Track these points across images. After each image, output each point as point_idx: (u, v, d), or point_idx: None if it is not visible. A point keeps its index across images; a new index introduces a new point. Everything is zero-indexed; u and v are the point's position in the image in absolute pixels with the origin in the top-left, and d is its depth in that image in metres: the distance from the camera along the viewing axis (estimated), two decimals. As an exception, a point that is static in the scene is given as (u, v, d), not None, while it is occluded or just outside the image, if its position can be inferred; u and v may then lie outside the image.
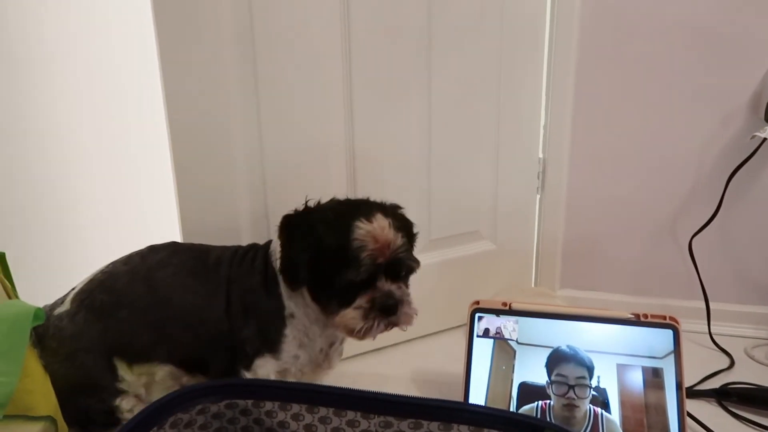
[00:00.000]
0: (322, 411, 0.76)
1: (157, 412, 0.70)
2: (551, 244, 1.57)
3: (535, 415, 1.02)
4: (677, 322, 1.02)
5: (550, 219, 1.56)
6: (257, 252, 0.98)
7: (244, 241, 1.06)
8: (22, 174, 1.11)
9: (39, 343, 0.87)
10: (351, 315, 0.86)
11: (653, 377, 1.01)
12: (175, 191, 1.15)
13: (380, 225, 0.85)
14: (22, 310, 0.55)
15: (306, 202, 0.94)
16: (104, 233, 1.32)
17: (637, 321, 1.04)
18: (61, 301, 0.94)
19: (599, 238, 1.54)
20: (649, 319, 1.04)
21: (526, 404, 1.03)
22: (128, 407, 0.93)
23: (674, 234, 1.48)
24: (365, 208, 0.89)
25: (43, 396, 0.62)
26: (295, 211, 0.93)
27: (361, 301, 0.85)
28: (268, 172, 1.21)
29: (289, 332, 0.94)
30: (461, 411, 0.73)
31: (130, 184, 1.41)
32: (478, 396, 1.05)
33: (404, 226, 0.92)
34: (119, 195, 1.37)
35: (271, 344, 0.93)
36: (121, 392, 0.92)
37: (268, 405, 0.77)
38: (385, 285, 0.86)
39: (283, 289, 0.94)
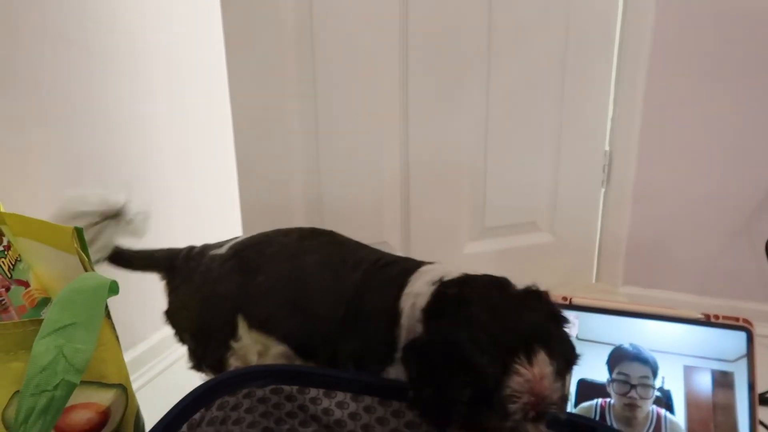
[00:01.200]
0: (367, 400, 0.77)
1: (205, 394, 0.73)
2: (615, 240, 1.52)
3: (593, 414, 0.99)
4: (751, 325, 0.97)
5: (614, 213, 1.51)
6: (395, 277, 0.86)
7: (296, 223, 1.07)
8: (99, 159, 1.17)
9: (188, 274, 0.96)
10: None
11: (723, 381, 0.97)
12: (236, 175, 1.19)
13: (542, 372, 0.64)
14: (100, 282, 0.58)
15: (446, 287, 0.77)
16: (173, 215, 1.37)
17: (707, 321, 0.99)
18: (220, 244, 0.99)
19: (666, 235, 1.49)
20: (721, 320, 0.99)
21: (585, 401, 1.00)
22: (235, 365, 0.95)
23: (749, 234, 1.41)
24: (526, 332, 0.67)
25: (115, 365, 0.65)
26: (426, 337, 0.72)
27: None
28: (323, 157, 1.23)
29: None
30: None
31: (197, 168, 1.47)
32: (534, 391, 1.04)
33: (565, 360, 0.70)
34: (187, 179, 1.43)
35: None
36: (230, 349, 0.95)
37: (313, 392, 0.78)
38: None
39: (403, 337, 0.80)
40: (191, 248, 1.02)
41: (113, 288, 0.59)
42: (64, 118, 1.09)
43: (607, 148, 1.48)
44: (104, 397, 0.63)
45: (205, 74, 1.46)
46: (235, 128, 1.16)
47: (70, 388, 0.54)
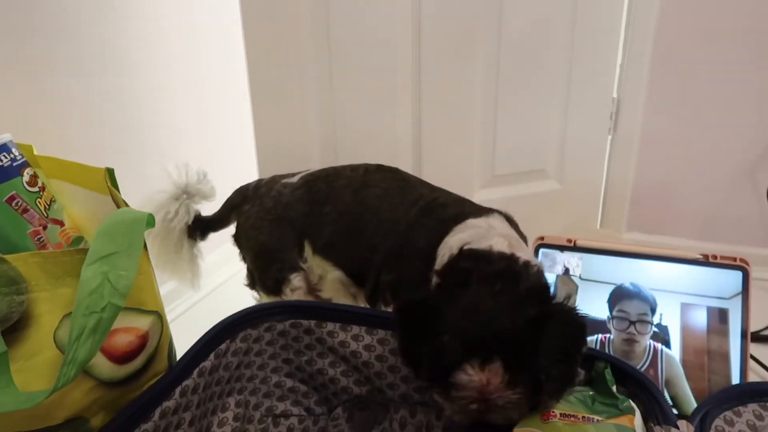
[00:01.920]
0: (380, 333, 0.81)
1: (230, 326, 0.78)
2: (620, 187, 1.56)
3: (595, 346, 1.05)
4: (747, 264, 1.01)
5: (620, 161, 1.54)
6: (442, 222, 0.89)
7: (315, 166, 1.11)
8: (118, 101, 1.20)
9: (258, 199, 1.05)
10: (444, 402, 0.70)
11: (718, 317, 1.02)
12: (252, 122, 1.22)
13: (489, 379, 0.64)
14: (138, 215, 0.63)
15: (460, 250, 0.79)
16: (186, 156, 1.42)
17: (705, 261, 1.04)
18: (293, 174, 1.07)
19: (671, 182, 1.52)
20: (718, 260, 1.03)
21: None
22: (297, 285, 1.05)
23: (753, 180, 1.43)
24: (494, 340, 0.66)
25: (152, 293, 0.70)
26: (422, 296, 0.76)
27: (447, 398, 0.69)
28: (338, 100, 1.25)
29: None
30: None
31: (215, 117, 1.50)
32: (538, 327, 1.09)
33: (531, 380, 0.66)
34: (201, 121, 1.46)
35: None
36: (299, 269, 1.04)
37: (330, 326, 0.82)
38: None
39: (433, 280, 0.82)
40: (260, 180, 1.11)
41: (150, 221, 0.63)
42: (87, 64, 1.12)
43: (614, 95, 1.50)
44: (143, 323, 0.68)
45: (220, 16, 1.47)
46: (250, 71, 1.18)
47: (116, 310, 0.59)
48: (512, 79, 1.39)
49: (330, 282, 1.05)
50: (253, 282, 1.11)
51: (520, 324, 0.66)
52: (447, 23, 1.29)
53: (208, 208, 1.13)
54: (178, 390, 0.69)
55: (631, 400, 0.69)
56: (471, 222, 0.87)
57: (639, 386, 0.69)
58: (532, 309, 0.68)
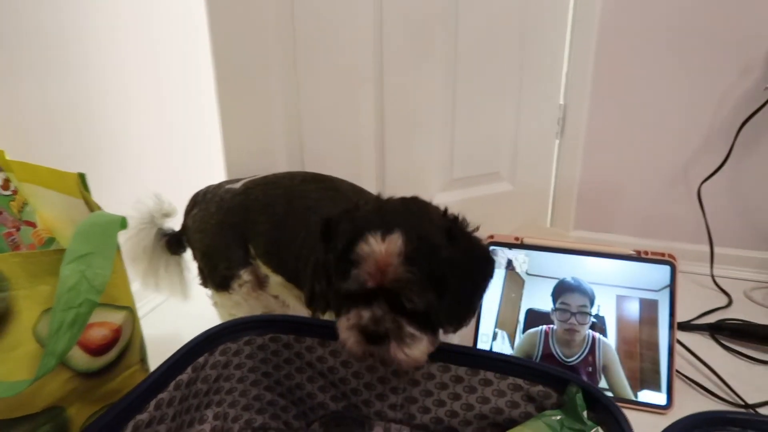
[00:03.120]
0: None
1: (208, 340, 0.79)
2: (567, 187, 1.65)
3: (538, 338, 1.13)
4: (675, 259, 1.11)
5: (567, 163, 1.64)
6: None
7: (280, 168, 1.16)
8: (85, 105, 1.23)
9: (204, 203, 1.11)
10: (343, 330, 0.74)
11: (648, 307, 1.11)
12: (219, 125, 1.26)
13: (386, 249, 0.70)
14: (111, 218, 0.67)
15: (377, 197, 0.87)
16: (154, 168, 1.45)
17: (637, 257, 1.13)
18: (236, 180, 1.12)
19: (614, 183, 1.62)
20: (650, 256, 1.13)
21: (532, 328, 1.15)
22: (246, 279, 1.10)
23: (686, 180, 1.54)
24: (394, 222, 0.72)
25: (124, 290, 0.75)
26: (340, 214, 0.81)
27: (351, 316, 0.74)
28: (303, 103, 1.30)
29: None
30: (489, 359, 0.77)
31: (178, 125, 1.54)
32: (489, 320, 1.17)
33: (427, 259, 0.72)
34: (167, 131, 1.50)
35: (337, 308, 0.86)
36: (246, 265, 1.09)
37: (309, 341, 0.83)
38: (377, 311, 0.72)
39: None
40: (209, 186, 1.16)
41: (123, 223, 0.68)
42: (51, 68, 1.15)
43: (561, 101, 1.59)
44: (116, 317, 0.73)
45: (184, 18, 1.51)
46: (217, 75, 1.22)
47: (92, 305, 0.64)
48: (468, 89, 1.47)
49: (274, 284, 1.11)
50: (205, 279, 1.16)
51: (429, 227, 0.74)
52: (408, 32, 1.34)
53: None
54: (152, 403, 0.68)
55: (599, 427, 0.69)
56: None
57: (607, 413, 0.69)
58: (443, 223, 0.76)
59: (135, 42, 1.36)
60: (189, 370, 0.74)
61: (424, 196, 0.84)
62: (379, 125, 1.39)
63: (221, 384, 0.82)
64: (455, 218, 0.80)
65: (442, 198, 1.54)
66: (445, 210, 0.80)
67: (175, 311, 1.30)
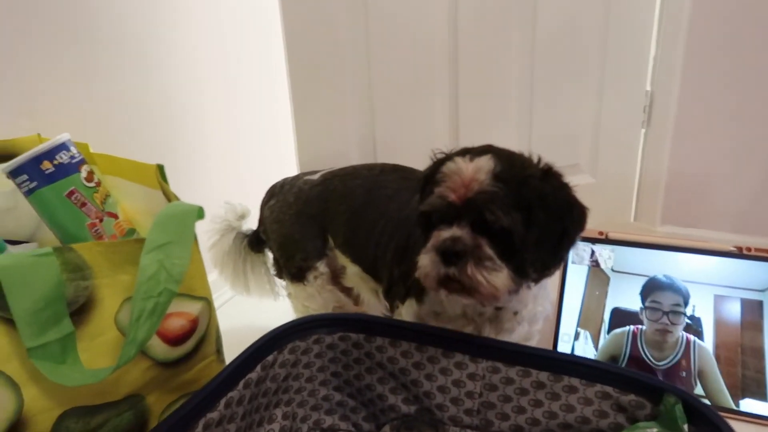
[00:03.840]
0: (431, 351, 0.78)
1: (277, 338, 0.78)
2: (654, 180, 1.55)
3: (625, 339, 1.06)
4: (782, 256, 1.01)
5: (654, 154, 1.54)
6: None
7: (353, 163, 1.15)
8: (163, 102, 1.26)
9: (282, 194, 1.12)
10: (422, 258, 0.73)
11: (751, 309, 1.02)
12: (292, 122, 1.26)
13: (473, 167, 0.70)
14: (189, 208, 0.67)
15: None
16: (227, 160, 1.47)
17: (738, 254, 1.04)
18: (314, 172, 1.13)
19: (706, 175, 1.50)
20: (753, 252, 1.03)
21: (618, 328, 1.08)
22: (322, 271, 1.10)
23: (788, 173, 1.42)
24: (487, 151, 0.73)
25: (202, 281, 0.75)
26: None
27: (432, 243, 0.72)
28: (376, 97, 1.28)
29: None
30: (574, 364, 0.72)
31: (251, 120, 1.56)
32: (570, 319, 1.11)
33: (516, 181, 0.70)
34: (243, 131, 1.53)
35: (417, 292, 0.88)
36: (323, 256, 1.09)
37: (379, 341, 0.80)
38: (457, 231, 0.70)
39: None
40: (286, 178, 1.17)
41: (200, 213, 0.68)
42: (133, 68, 1.19)
43: (648, 88, 1.49)
44: (194, 307, 0.73)
45: (259, 17, 1.52)
46: (291, 72, 1.23)
47: (171, 295, 0.64)
48: (546, 76, 1.40)
49: (351, 275, 1.10)
50: (280, 270, 1.16)
51: (523, 160, 0.74)
52: (483, 20, 1.30)
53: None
54: (222, 401, 0.67)
55: None
56: None
57: (712, 427, 0.63)
58: (539, 165, 0.74)
59: (209, 39, 1.39)
60: (258, 368, 0.74)
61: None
62: (454, 119, 1.36)
63: (290, 383, 0.81)
64: (553, 167, 0.76)
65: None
66: (541, 160, 0.77)
67: (249, 303, 1.31)
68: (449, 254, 0.69)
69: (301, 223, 1.09)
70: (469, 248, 0.68)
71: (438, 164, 0.74)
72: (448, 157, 0.74)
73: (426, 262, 0.71)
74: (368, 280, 1.06)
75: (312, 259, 1.09)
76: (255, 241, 1.21)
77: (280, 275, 1.17)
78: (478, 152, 0.72)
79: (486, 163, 0.69)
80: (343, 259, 1.09)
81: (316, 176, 1.11)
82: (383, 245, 0.97)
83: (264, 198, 1.17)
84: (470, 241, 0.69)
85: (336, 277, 1.13)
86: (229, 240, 1.21)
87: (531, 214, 0.69)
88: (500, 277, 0.69)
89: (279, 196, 1.13)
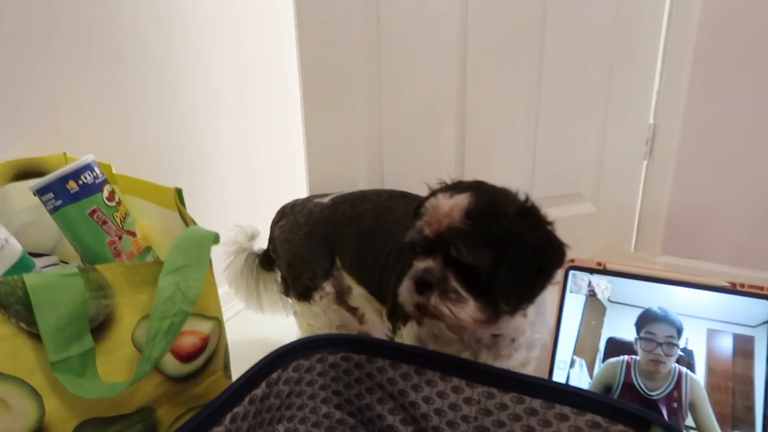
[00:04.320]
0: (429, 374, 0.81)
1: (282, 356, 0.80)
2: (655, 211, 1.58)
3: (619, 369, 1.09)
4: (774, 294, 1.03)
5: (655, 186, 1.57)
6: None
7: (361, 187, 1.19)
8: (180, 127, 1.31)
9: (293, 215, 1.16)
10: (402, 284, 0.78)
11: (744, 345, 1.04)
12: (304, 146, 1.31)
13: (450, 203, 0.74)
14: (205, 233, 0.71)
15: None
16: (240, 184, 1.52)
17: (732, 290, 1.07)
18: (324, 195, 1.17)
19: (706, 208, 1.53)
20: (746, 289, 1.06)
21: (613, 357, 1.10)
22: (328, 291, 1.13)
23: (788, 209, 1.44)
24: (469, 189, 0.77)
25: (214, 302, 0.79)
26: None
27: (410, 271, 0.78)
28: (385, 125, 1.33)
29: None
30: (566, 393, 0.74)
31: (264, 143, 1.61)
32: (567, 346, 1.14)
33: (487, 219, 0.74)
34: (255, 154, 1.58)
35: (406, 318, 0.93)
36: (329, 276, 1.13)
37: (380, 362, 0.83)
38: (430, 263, 0.75)
39: None
40: (297, 199, 1.21)
41: (216, 239, 0.72)
42: (152, 92, 1.24)
43: (651, 121, 1.53)
44: (205, 326, 0.77)
45: (276, 52, 1.58)
46: (304, 100, 1.27)
47: (185, 316, 0.68)
48: (552, 106, 1.44)
49: (357, 296, 1.14)
50: (287, 288, 1.20)
51: (502, 200, 0.77)
52: (491, 53, 1.35)
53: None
54: (228, 416, 0.69)
55: None
56: None
57: None
58: (520, 204, 0.78)
59: (226, 66, 1.44)
60: (263, 385, 0.76)
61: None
62: (460, 145, 1.40)
63: (293, 400, 0.83)
64: (534, 205, 0.80)
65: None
66: (527, 197, 0.81)
67: (256, 317, 1.35)
68: (420, 284, 0.75)
69: (310, 244, 1.13)
70: (435, 280, 0.74)
71: (427, 198, 0.79)
72: (434, 192, 0.79)
73: (403, 288, 0.77)
74: (373, 302, 1.10)
75: (319, 279, 1.13)
76: (266, 260, 1.25)
77: (287, 293, 1.21)
78: (462, 188, 0.77)
79: (462, 200, 0.74)
80: (349, 281, 1.12)
81: (326, 199, 1.15)
82: (389, 269, 1.01)
83: (275, 218, 1.21)
84: (438, 274, 0.74)
85: (342, 296, 1.16)
86: (241, 261, 1.26)
87: (502, 251, 0.72)
88: (465, 309, 0.73)
89: (289, 217, 1.17)
